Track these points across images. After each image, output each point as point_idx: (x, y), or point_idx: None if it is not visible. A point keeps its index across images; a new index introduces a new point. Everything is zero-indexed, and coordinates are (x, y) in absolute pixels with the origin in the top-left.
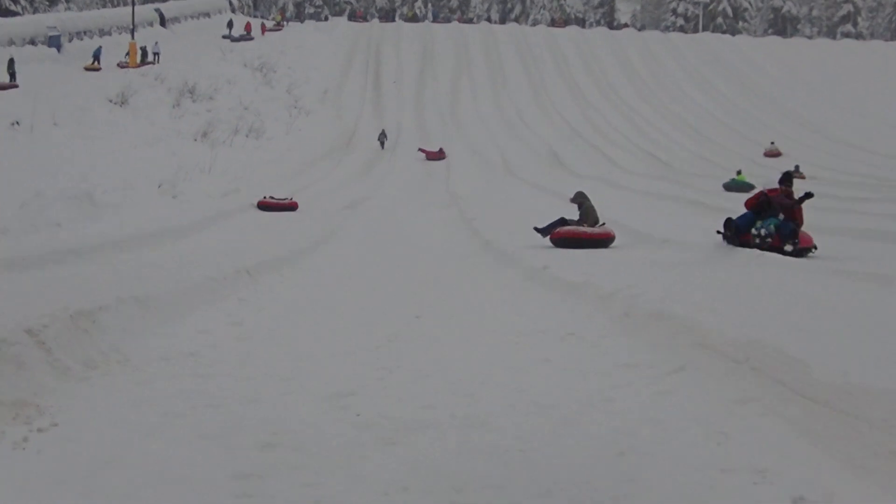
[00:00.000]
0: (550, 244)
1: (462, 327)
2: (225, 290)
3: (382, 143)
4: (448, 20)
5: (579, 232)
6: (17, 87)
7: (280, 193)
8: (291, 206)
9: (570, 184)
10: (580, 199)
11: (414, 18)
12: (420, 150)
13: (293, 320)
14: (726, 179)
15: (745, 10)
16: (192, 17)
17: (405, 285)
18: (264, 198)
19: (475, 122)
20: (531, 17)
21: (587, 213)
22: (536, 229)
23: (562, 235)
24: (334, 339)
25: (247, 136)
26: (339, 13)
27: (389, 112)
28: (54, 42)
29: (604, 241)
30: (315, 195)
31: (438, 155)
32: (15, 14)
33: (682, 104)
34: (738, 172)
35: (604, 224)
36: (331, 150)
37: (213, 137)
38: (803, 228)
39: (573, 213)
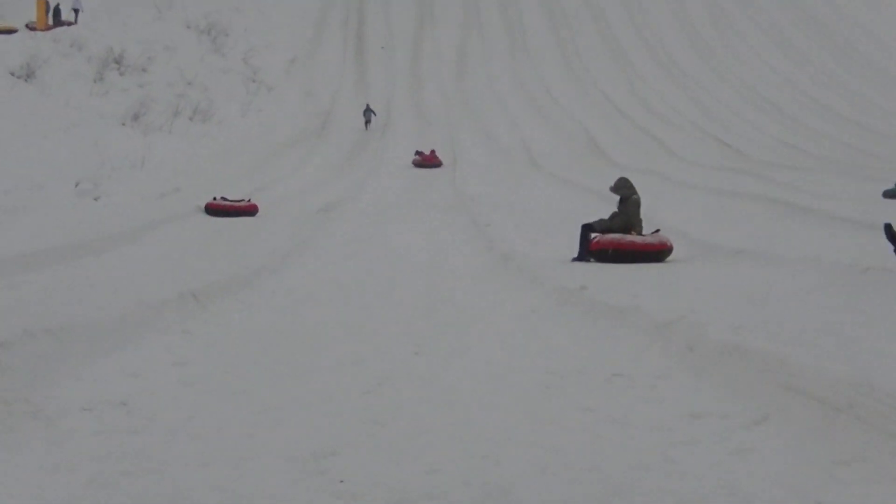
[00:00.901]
0: (588, 258)
1: (474, 367)
2: (165, 319)
3: (368, 122)
4: None
5: (626, 242)
6: None
7: (234, 194)
8: (249, 211)
9: (612, 178)
10: (624, 190)
11: None
12: (418, 153)
13: (254, 359)
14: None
15: None
16: None
17: (399, 313)
18: (214, 199)
19: (489, 99)
20: None
21: (629, 211)
22: (576, 259)
23: (603, 246)
24: (309, 382)
25: (191, 119)
26: None
27: (376, 87)
28: None
29: (658, 253)
30: (280, 196)
31: (431, 160)
32: None
33: (760, 75)
34: None
35: (657, 231)
36: (300, 136)
37: (146, 122)
38: None
39: (601, 213)
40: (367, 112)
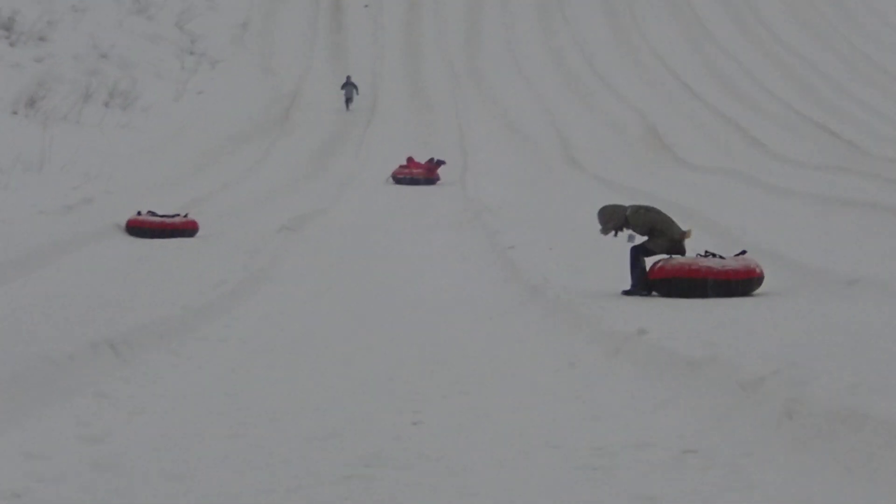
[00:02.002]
0: (646, 291)
1: (492, 443)
2: (73, 378)
3: (349, 100)
4: None
5: (700, 268)
6: None
7: (166, 207)
8: (187, 229)
9: (680, 182)
10: (630, 219)
11: None
12: (409, 161)
13: (194, 433)
14: None
15: None
16: None
17: (391, 368)
18: (139, 214)
19: (510, 75)
20: None
21: (664, 226)
22: (627, 293)
23: (669, 274)
24: (268, 466)
25: (107, 105)
26: None
27: (359, 60)
28: None
29: (743, 283)
30: (228, 209)
31: (427, 172)
32: None
33: (880, 46)
34: None
35: (743, 254)
36: (255, 128)
37: (45, 109)
38: None
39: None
40: (348, 86)
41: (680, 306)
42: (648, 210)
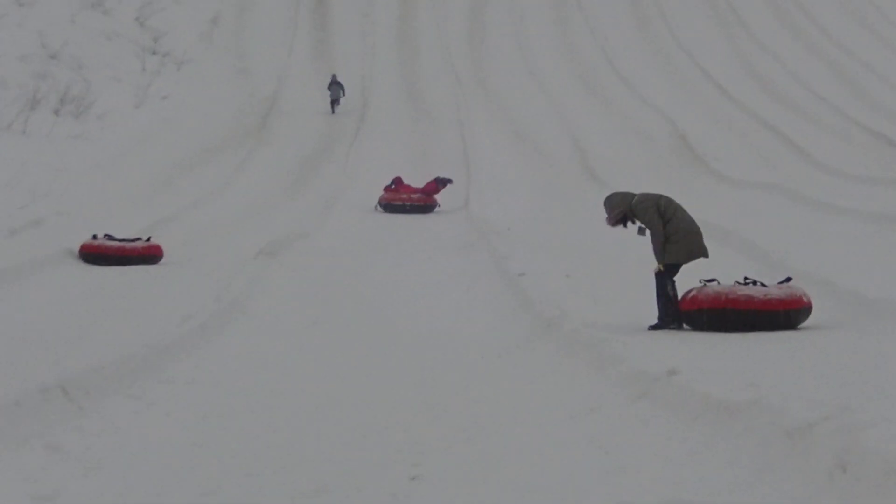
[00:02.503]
0: (676, 324)
1: (505, 499)
2: (20, 429)
3: (335, 102)
4: None
5: (737, 297)
6: None
7: (126, 230)
8: (150, 255)
9: (716, 198)
10: (635, 208)
11: None
12: (398, 183)
13: (161, 488)
14: None
15: None
16: None
17: (386, 414)
18: (94, 238)
19: (521, 77)
20: None
21: (677, 222)
22: (655, 328)
23: (703, 304)
24: None
25: (56, 113)
26: None
27: (347, 59)
28: None
29: (788, 314)
30: (197, 231)
31: (424, 197)
32: None
33: None
34: None
35: (788, 281)
36: (228, 138)
37: None
38: None
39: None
40: (334, 86)
41: (715, 342)
42: (660, 197)
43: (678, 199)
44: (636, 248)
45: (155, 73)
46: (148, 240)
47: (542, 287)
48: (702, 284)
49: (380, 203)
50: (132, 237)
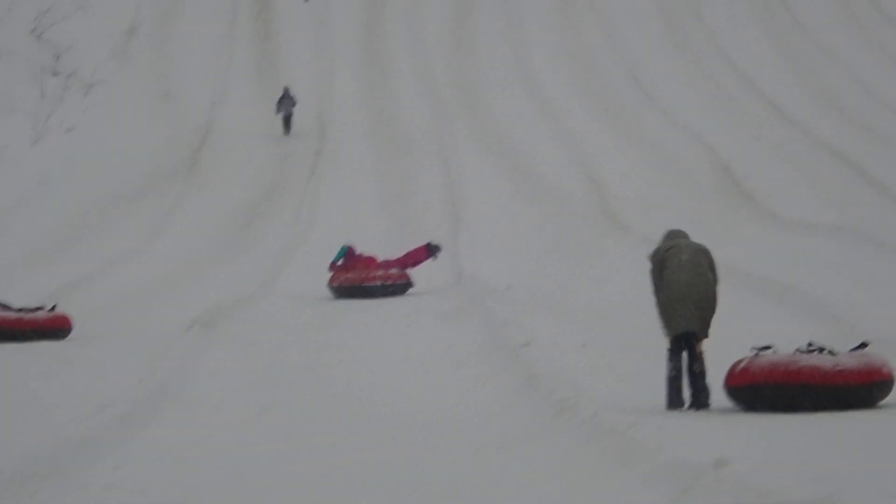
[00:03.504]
0: (727, 401)
1: None
2: None
3: (287, 121)
4: None
5: (800, 369)
6: None
7: (23, 296)
8: (55, 328)
9: (769, 245)
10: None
11: None
12: (345, 257)
13: None
14: None
15: None
16: None
17: None
18: None
19: (519, 97)
20: None
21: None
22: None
23: (757, 379)
24: None
25: None
26: None
27: (298, 78)
28: None
29: (865, 389)
30: (115, 297)
31: (395, 273)
32: None
33: None
34: None
35: (863, 346)
36: (151, 178)
37: None
38: None
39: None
40: (286, 101)
41: (773, 425)
42: (669, 247)
43: (722, 246)
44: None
45: (57, 99)
46: (52, 309)
47: (551, 360)
48: (754, 354)
49: (330, 286)
50: (32, 306)
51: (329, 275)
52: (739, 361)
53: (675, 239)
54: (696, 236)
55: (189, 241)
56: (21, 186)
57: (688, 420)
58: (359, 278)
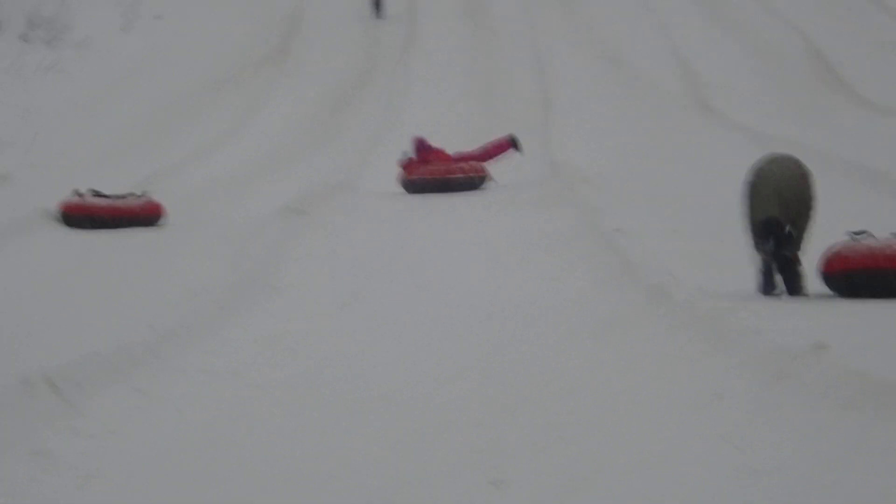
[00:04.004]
0: (823, 287)
1: None
2: None
3: (378, 4)
4: None
5: None
6: None
7: (116, 184)
8: (147, 215)
9: (864, 132)
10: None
11: None
12: (419, 147)
13: (173, 499)
14: None
15: None
16: None
17: (454, 405)
18: (78, 196)
19: None
20: None
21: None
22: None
23: (853, 265)
24: None
25: (25, 39)
26: None
27: None
28: None
29: None
30: (205, 185)
31: (471, 166)
32: None
33: None
34: None
35: None
36: (241, 67)
37: None
38: None
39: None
40: None
41: (871, 310)
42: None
43: (815, 134)
44: None
45: None
46: (143, 196)
47: (644, 247)
48: (850, 238)
49: (406, 180)
50: (124, 193)
51: (400, 170)
52: (834, 247)
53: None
54: (789, 123)
55: (279, 129)
56: (111, 75)
57: (783, 306)
58: (440, 171)
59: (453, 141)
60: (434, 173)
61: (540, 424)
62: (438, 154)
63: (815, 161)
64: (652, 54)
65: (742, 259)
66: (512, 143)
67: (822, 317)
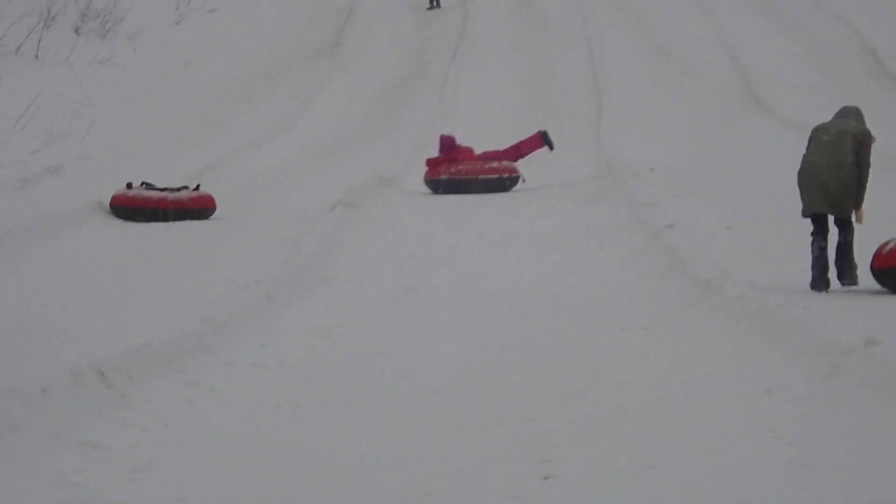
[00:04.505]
0: (874, 283)
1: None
2: (48, 420)
3: None
4: None
5: None
6: None
7: (168, 177)
8: (199, 207)
9: None
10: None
11: None
12: (445, 146)
13: (225, 495)
14: None
15: None
16: None
17: (504, 397)
18: (129, 188)
19: None
20: None
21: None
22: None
23: None
24: None
25: (78, 32)
26: None
27: None
28: None
29: None
30: (256, 178)
31: (501, 166)
32: None
33: None
34: None
35: None
36: (294, 59)
37: None
38: None
39: None
40: None
41: None
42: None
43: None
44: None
45: None
46: (196, 188)
47: (696, 242)
48: None
49: (434, 179)
50: (176, 186)
51: (427, 168)
52: (886, 243)
53: (837, 118)
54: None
55: (331, 122)
56: (163, 67)
57: (835, 301)
58: (472, 170)
59: (505, 134)
60: (466, 173)
61: (590, 418)
62: (466, 153)
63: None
64: (704, 49)
65: (794, 254)
66: (543, 139)
67: (874, 313)
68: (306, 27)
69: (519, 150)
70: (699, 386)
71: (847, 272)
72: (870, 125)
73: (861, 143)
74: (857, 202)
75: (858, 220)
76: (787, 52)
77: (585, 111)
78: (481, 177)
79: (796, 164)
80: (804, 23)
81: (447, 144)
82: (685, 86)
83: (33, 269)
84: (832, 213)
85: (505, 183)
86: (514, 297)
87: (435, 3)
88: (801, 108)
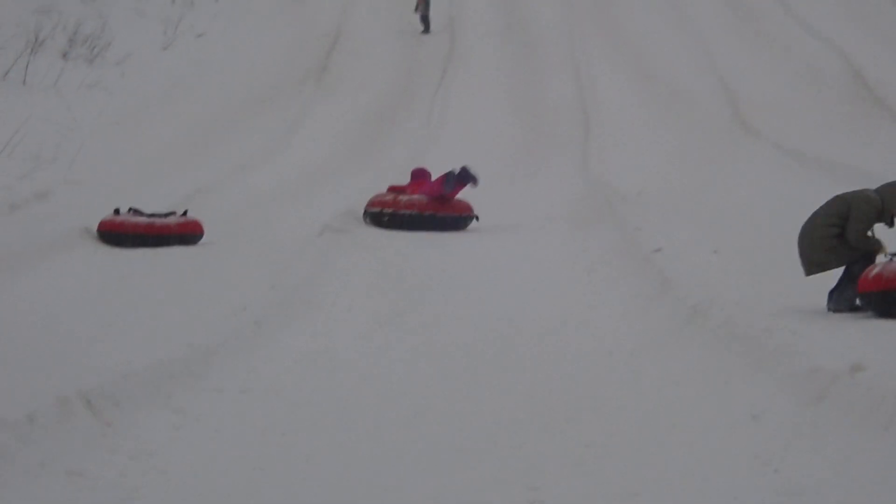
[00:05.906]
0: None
1: None
2: (34, 449)
3: (425, 17)
4: None
5: None
6: None
7: (155, 202)
8: (186, 233)
9: None
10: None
11: None
12: (416, 180)
13: None
14: None
15: None
16: None
17: (493, 424)
18: (117, 213)
19: (652, 1)
20: None
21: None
22: (839, 310)
23: (888, 285)
24: None
25: (65, 56)
26: None
27: None
28: None
29: None
30: (246, 202)
31: (434, 203)
32: None
33: None
34: None
35: None
36: (281, 84)
37: None
38: None
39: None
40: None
41: None
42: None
43: (855, 154)
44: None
45: (187, 4)
46: (184, 214)
47: (683, 266)
48: (888, 259)
49: (365, 211)
50: (164, 211)
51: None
52: (873, 267)
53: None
54: (828, 142)
55: (319, 146)
56: (151, 92)
57: (822, 326)
58: (383, 204)
59: (493, 157)
60: (387, 205)
61: (578, 444)
62: (420, 185)
63: (855, 180)
64: (691, 72)
65: (781, 278)
66: (444, 183)
67: (860, 337)
68: (294, 52)
69: (434, 189)
70: (686, 411)
71: (837, 299)
72: (856, 148)
73: (852, 209)
74: (840, 259)
75: (879, 251)
76: (774, 76)
77: (573, 134)
78: (402, 211)
79: (783, 188)
80: (791, 46)
81: (416, 177)
82: (673, 109)
83: (20, 295)
84: (813, 272)
85: (443, 222)
86: (502, 321)
87: (426, 28)
88: (788, 131)
